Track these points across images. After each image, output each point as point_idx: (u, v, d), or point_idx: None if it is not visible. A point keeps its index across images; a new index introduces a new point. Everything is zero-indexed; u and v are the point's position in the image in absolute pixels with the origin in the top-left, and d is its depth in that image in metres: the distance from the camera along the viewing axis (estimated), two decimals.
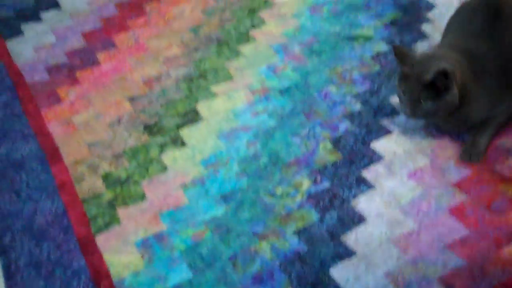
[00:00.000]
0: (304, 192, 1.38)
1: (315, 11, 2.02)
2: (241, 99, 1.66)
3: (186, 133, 1.57)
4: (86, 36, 2.00)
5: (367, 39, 1.88)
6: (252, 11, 2.04)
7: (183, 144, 1.54)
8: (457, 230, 1.26)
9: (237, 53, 1.85)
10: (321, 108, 1.62)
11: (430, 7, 2.04)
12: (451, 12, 1.96)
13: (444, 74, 1.34)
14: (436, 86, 1.36)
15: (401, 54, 1.43)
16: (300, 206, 1.35)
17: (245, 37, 1.92)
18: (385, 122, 1.57)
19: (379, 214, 1.31)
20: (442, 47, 1.52)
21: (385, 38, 1.88)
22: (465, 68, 1.41)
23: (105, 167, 1.50)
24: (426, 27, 1.94)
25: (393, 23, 1.95)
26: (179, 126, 1.59)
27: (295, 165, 1.45)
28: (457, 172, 1.40)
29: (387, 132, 1.54)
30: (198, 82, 1.74)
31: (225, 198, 1.39)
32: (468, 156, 1.42)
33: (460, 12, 1.66)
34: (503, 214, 1.28)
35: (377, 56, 1.81)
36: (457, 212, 1.30)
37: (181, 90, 1.71)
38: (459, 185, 1.37)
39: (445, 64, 1.36)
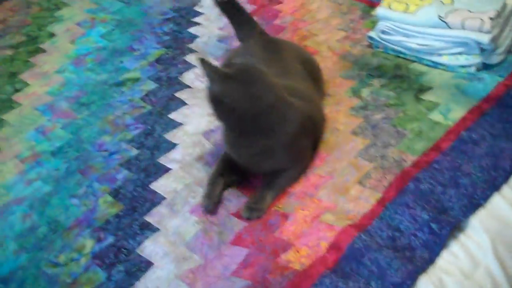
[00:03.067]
0: (88, 253, 1.33)
1: (79, 63, 1.98)
2: (10, 171, 1.57)
3: None
4: None
5: (135, 81, 1.88)
6: (13, 75, 1.95)
7: None
8: (238, 254, 1.28)
9: (0, 123, 1.74)
10: (97, 161, 1.58)
11: (193, 38, 2.11)
12: (212, 40, 2.05)
13: None
14: None
15: None
16: (86, 269, 1.29)
17: (7, 104, 1.82)
18: (163, 160, 1.57)
19: (165, 255, 1.30)
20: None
21: (152, 76, 1.90)
22: None
23: None
24: (190, 58, 1.99)
25: (158, 60, 1.98)
26: None
27: (76, 227, 1.39)
28: (235, 201, 1.43)
29: (166, 170, 1.54)
30: None
31: (4, 281, 1.29)
32: (249, 214, 1.37)
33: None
34: (278, 228, 1.33)
35: (146, 96, 1.82)
36: (237, 240, 1.32)
37: None
38: (237, 214, 1.39)
39: None
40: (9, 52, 2.06)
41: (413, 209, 1.30)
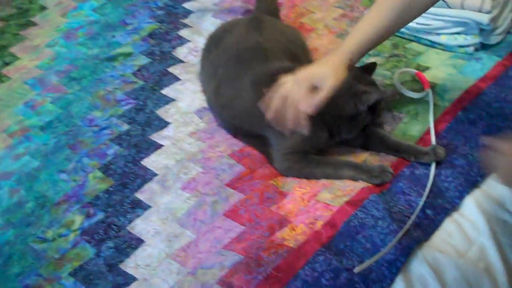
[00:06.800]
0: (77, 229, 1.30)
1: (70, 37, 1.94)
2: None
3: None
4: None
5: (127, 56, 1.84)
6: (3, 48, 1.91)
7: None
8: (233, 229, 1.26)
9: None
10: (87, 136, 1.55)
11: (187, 13, 2.07)
12: (207, 16, 2.01)
13: None
14: None
15: None
16: (74, 245, 1.27)
17: None
18: (155, 136, 1.54)
19: (157, 233, 1.28)
20: None
21: (145, 51, 1.86)
22: None
23: None
24: (184, 33, 1.95)
25: (151, 35, 1.94)
26: None
27: (65, 203, 1.37)
28: (230, 172, 1.41)
29: (158, 146, 1.51)
30: None
31: None
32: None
33: None
34: (275, 204, 1.31)
35: (138, 71, 1.78)
36: (232, 214, 1.30)
37: None
38: (232, 185, 1.37)
39: None
40: None
41: (408, 195, 1.28)
